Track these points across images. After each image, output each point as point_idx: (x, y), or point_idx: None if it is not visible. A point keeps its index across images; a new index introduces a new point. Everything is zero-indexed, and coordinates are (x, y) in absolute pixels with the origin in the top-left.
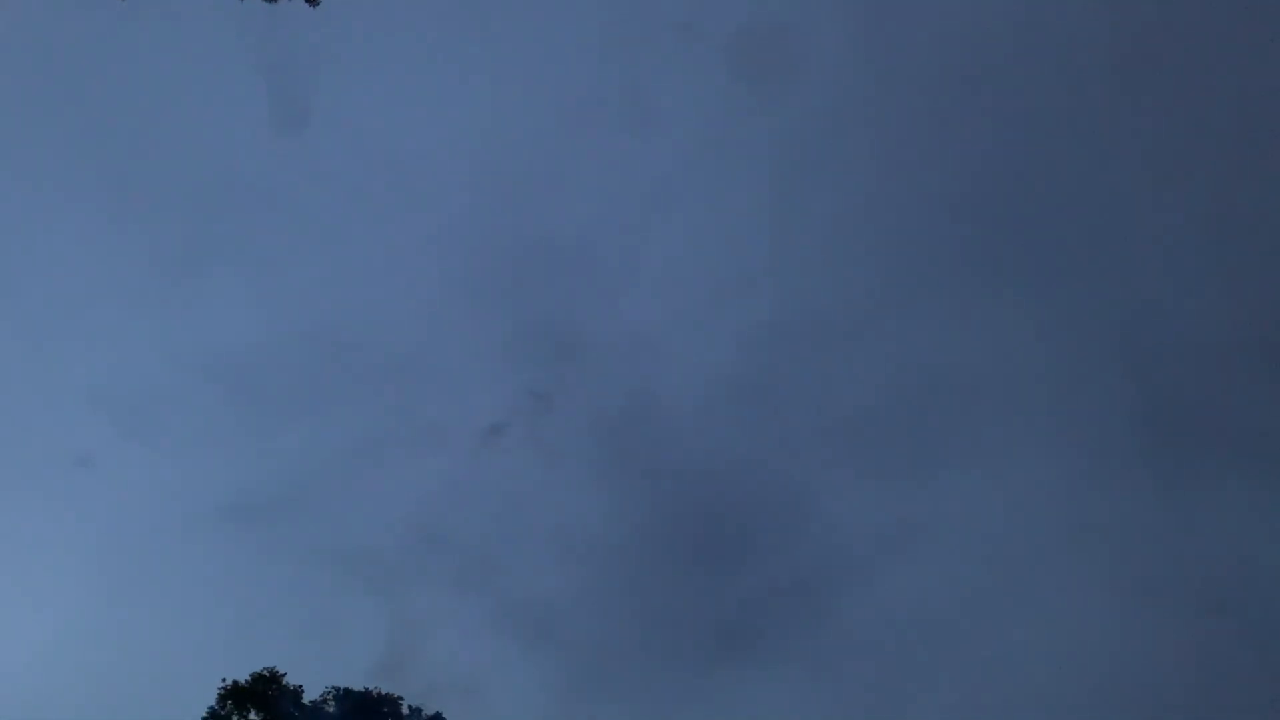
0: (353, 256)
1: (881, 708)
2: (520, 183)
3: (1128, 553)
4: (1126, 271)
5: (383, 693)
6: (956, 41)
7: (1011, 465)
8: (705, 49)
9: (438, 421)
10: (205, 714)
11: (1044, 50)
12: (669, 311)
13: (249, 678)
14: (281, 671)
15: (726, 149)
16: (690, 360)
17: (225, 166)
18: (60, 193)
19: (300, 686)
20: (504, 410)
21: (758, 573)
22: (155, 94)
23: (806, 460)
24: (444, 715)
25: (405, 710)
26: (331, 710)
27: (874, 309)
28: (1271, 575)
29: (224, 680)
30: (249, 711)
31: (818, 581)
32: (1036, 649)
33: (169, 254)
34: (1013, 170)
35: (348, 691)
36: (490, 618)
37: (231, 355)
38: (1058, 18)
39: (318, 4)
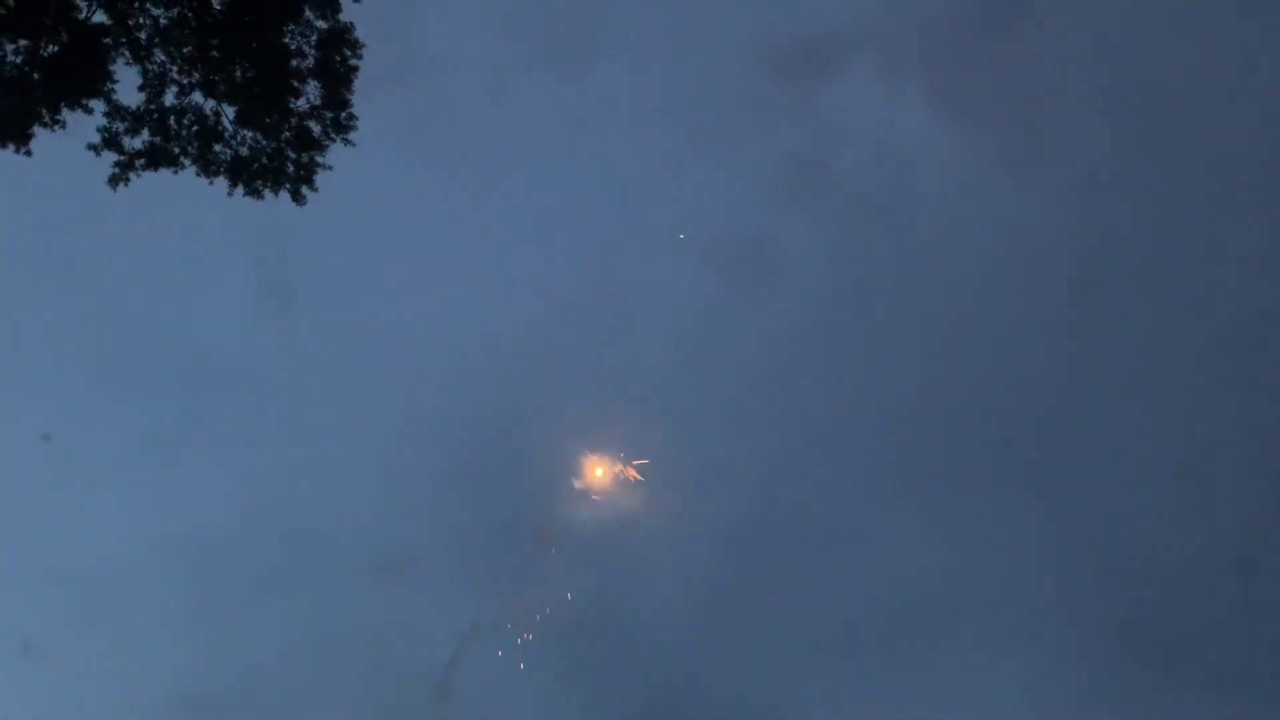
0: (328, 444)
1: None
2: (503, 376)
3: None
4: (1104, 488)
5: None
6: (938, 256)
7: (989, 677)
8: (691, 251)
9: (403, 615)
10: None
11: (1021, 270)
12: (646, 508)
13: None
14: None
15: (709, 348)
16: (663, 559)
17: (203, 349)
18: (32, 370)
19: None
20: (469, 604)
21: None
22: (136, 276)
23: (781, 667)
24: None
25: None
26: None
27: (851, 515)
28: None
29: None
30: None
31: None
32: None
33: (142, 434)
34: (993, 383)
35: None
36: None
37: (196, 539)
38: (1034, 232)
39: (304, 203)
